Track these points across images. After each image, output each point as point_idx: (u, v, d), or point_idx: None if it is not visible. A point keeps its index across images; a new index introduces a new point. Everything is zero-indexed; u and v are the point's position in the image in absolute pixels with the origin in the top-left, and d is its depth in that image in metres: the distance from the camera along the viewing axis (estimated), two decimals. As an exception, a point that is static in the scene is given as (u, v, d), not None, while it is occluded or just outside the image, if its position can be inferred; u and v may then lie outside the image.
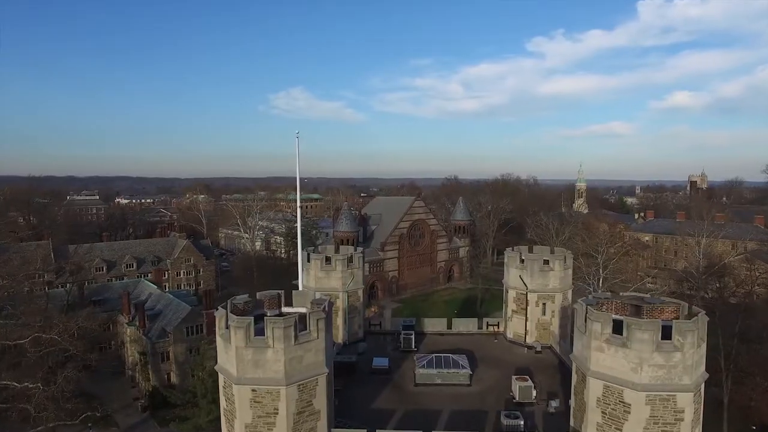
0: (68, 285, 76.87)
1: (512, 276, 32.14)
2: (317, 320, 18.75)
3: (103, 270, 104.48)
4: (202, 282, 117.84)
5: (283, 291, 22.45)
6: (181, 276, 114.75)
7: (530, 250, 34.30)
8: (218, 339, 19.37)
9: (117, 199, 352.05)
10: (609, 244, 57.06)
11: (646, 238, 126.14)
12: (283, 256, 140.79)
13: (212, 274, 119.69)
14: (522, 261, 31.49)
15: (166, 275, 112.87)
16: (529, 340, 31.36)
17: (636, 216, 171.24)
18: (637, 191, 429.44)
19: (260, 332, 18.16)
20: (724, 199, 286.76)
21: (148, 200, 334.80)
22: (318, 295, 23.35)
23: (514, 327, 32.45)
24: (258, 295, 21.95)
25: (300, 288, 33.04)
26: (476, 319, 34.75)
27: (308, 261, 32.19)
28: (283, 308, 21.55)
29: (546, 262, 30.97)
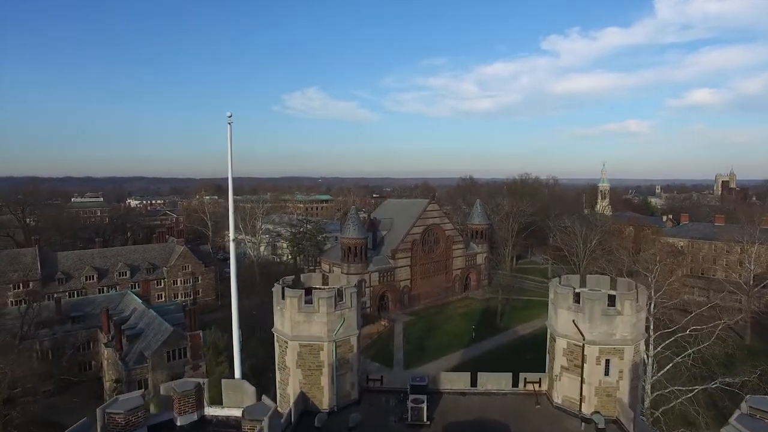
0: (27, 302, 68.76)
1: (562, 320, 23.26)
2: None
3: (93, 279, 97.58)
4: (200, 291, 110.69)
5: (206, 381, 14.29)
6: (178, 285, 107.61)
7: (583, 282, 25.44)
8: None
9: (128, 200, 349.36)
10: (663, 258, 47.63)
11: (681, 244, 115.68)
12: (290, 260, 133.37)
13: (212, 283, 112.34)
14: (576, 299, 22.72)
15: (162, 284, 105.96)
16: (586, 410, 22.52)
17: (664, 219, 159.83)
18: (658, 191, 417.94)
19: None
20: (754, 198, 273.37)
21: (159, 201, 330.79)
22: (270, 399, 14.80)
23: (563, 389, 23.59)
24: (163, 388, 13.78)
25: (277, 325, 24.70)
26: (510, 374, 25.89)
27: (282, 299, 23.76)
28: (206, 409, 13.40)
29: (611, 300, 22.20)
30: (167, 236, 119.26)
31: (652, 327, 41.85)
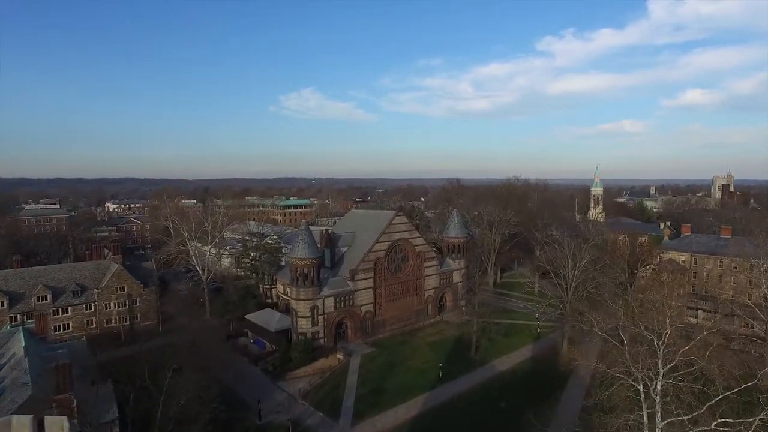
0: None
1: None
2: None
3: (3, 305, 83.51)
4: (139, 315, 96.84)
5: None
6: (112, 308, 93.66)
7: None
8: None
9: (107, 204, 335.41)
10: (674, 318, 34.25)
11: (683, 259, 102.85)
12: (251, 277, 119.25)
13: (152, 305, 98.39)
14: None
15: (92, 308, 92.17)
16: None
17: (662, 226, 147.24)
18: (652, 191, 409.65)
19: None
20: (752, 201, 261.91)
21: (138, 204, 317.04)
22: None
23: None
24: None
25: None
26: None
27: None
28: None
29: None
30: (105, 251, 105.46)
31: (659, 416, 28.61)
